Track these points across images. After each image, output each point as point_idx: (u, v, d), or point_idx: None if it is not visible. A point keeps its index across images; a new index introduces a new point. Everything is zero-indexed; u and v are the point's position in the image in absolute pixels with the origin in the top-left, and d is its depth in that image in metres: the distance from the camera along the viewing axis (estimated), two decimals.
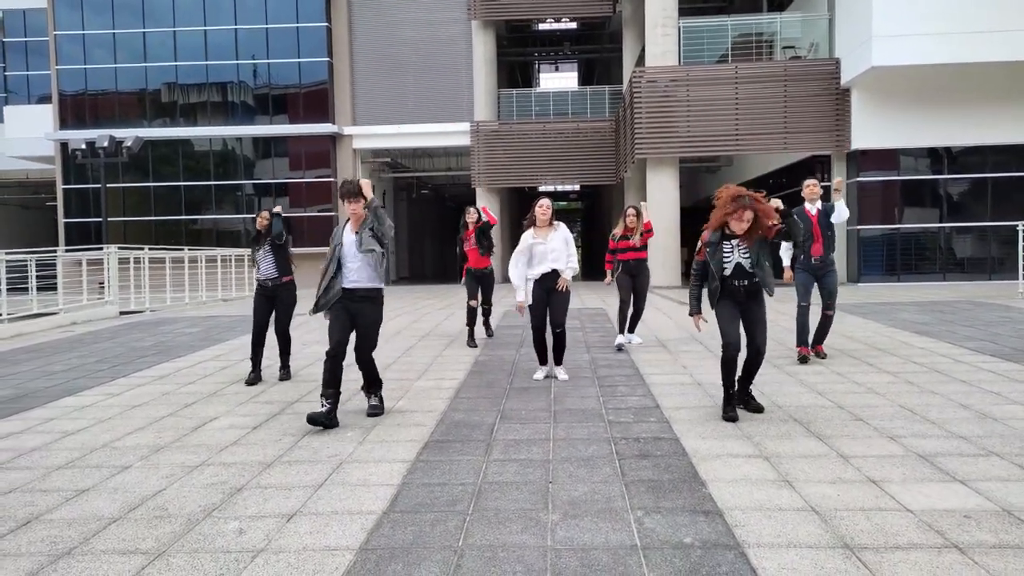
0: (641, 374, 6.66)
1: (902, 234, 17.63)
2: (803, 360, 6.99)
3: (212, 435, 4.96)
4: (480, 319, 9.13)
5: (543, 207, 6.37)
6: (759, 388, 5.90)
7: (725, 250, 5.01)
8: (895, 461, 4.02)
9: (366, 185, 5.24)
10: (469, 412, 5.43)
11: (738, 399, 5.18)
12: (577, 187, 34.96)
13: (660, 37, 18.16)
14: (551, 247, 6.32)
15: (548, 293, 6.38)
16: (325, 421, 4.98)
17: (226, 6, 24.46)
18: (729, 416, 4.97)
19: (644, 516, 3.34)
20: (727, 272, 5.01)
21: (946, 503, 3.40)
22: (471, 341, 8.66)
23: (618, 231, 8.35)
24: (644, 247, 8.27)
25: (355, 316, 5.22)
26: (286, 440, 4.78)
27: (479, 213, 8.98)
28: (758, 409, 5.16)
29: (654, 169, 18.61)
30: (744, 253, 4.98)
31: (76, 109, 25.64)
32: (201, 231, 25.52)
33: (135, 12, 24.96)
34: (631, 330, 8.49)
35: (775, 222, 4.92)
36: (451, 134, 24.64)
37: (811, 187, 7.21)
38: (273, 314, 6.99)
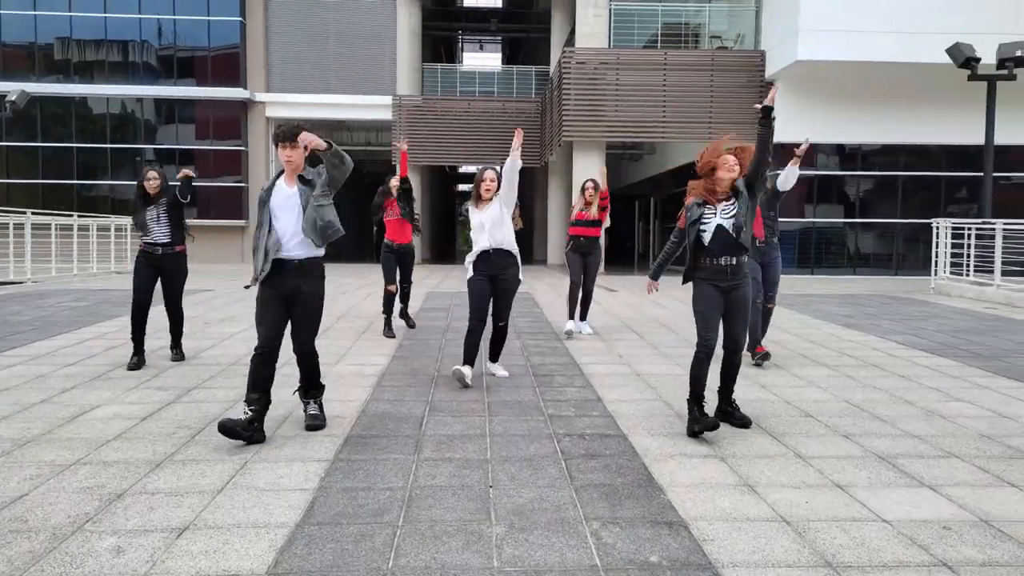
0: (577, 363, 6.29)
1: (816, 228, 18.02)
2: (764, 358, 6.17)
3: (92, 427, 4.26)
4: (398, 306, 7.98)
5: (488, 181, 5.51)
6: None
7: (706, 215, 4.24)
8: (856, 463, 3.77)
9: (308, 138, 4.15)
10: (394, 403, 4.91)
11: (718, 414, 4.44)
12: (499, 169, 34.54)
13: (592, 18, 17.84)
14: (488, 215, 5.45)
15: (492, 282, 5.48)
16: (244, 433, 3.90)
17: None
18: (694, 431, 4.15)
19: (601, 528, 2.93)
20: (706, 240, 4.21)
21: (921, 512, 3.14)
22: (388, 331, 7.66)
23: (577, 205, 7.89)
24: (598, 223, 7.78)
25: (291, 296, 4.13)
26: (181, 434, 4.14)
27: (399, 179, 7.72)
28: (744, 423, 4.37)
29: (581, 153, 18.33)
30: (727, 212, 4.19)
31: None
32: (96, 198, 23.65)
33: None
34: (583, 317, 8.02)
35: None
36: (371, 107, 23.66)
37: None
38: (160, 288, 6.19)
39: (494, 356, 5.84)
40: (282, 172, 4.25)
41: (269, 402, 4.14)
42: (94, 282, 13.81)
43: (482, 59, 39.92)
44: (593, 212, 7.69)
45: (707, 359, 4.28)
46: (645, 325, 8.67)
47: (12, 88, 18.34)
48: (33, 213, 13.31)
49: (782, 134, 17.47)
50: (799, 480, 3.50)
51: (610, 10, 18.16)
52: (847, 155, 17.93)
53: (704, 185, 4.31)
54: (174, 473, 3.51)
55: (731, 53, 18.18)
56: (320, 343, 6.63)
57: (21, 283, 12.82)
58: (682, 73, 17.75)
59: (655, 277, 4.75)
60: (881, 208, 18.01)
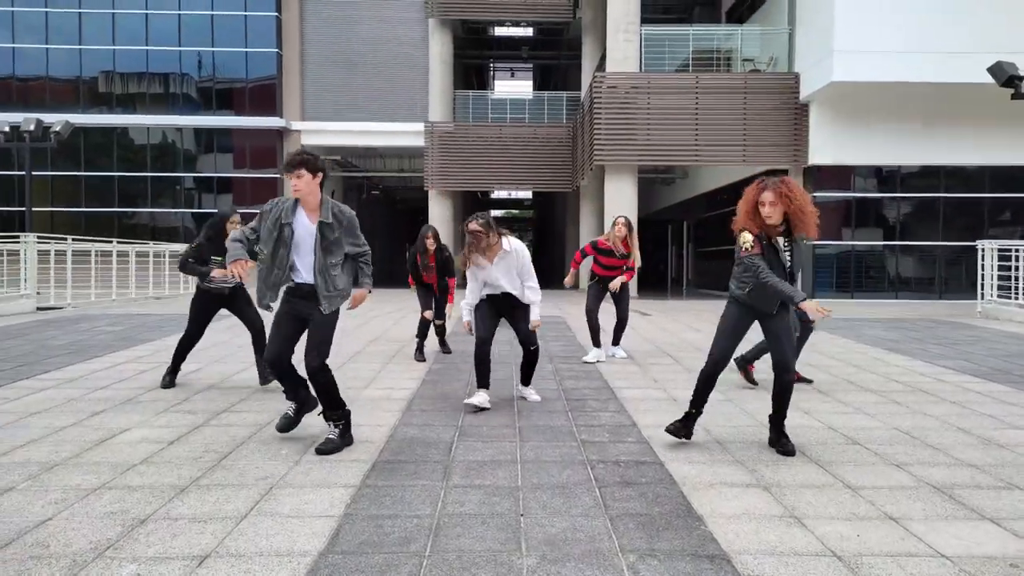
0: (611, 387, 6.13)
1: (856, 251, 17.64)
2: (750, 380, 6.21)
3: (119, 450, 4.21)
4: (434, 335, 8.09)
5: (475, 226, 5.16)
6: (727, 406, 5.43)
7: (782, 248, 4.18)
8: (909, 493, 3.55)
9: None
10: (423, 428, 4.80)
11: (772, 439, 4.35)
12: (529, 194, 34.56)
13: (622, 43, 17.84)
14: (497, 273, 5.23)
15: (508, 308, 5.40)
16: (295, 418, 4.45)
17: None
18: (671, 429, 4.34)
19: (638, 561, 2.77)
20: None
21: (984, 548, 2.92)
22: (419, 355, 7.60)
23: (604, 239, 7.60)
24: (629, 269, 7.60)
25: (306, 319, 4.20)
26: (207, 458, 4.08)
27: (438, 243, 7.58)
28: (789, 452, 4.21)
29: (612, 177, 18.25)
30: (786, 254, 4.19)
31: (3, 93, 24.05)
32: (136, 225, 24.20)
33: None
34: (615, 342, 7.83)
35: (812, 217, 4.14)
36: (404, 134, 23.93)
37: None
38: (232, 315, 6.25)
39: (526, 380, 5.69)
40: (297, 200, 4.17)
41: (311, 398, 4.43)
42: (132, 307, 14.00)
43: (513, 87, 40.26)
44: (620, 250, 7.48)
45: (713, 375, 4.38)
46: (680, 349, 8.47)
47: (57, 119, 18.89)
48: (73, 240, 13.55)
49: (819, 157, 17.24)
50: (849, 512, 3.30)
51: (640, 35, 18.15)
52: (885, 177, 17.58)
53: (756, 223, 4.17)
54: (199, 498, 3.43)
55: (764, 76, 18.02)
56: (350, 367, 6.57)
57: (61, 308, 13.04)
58: (714, 96, 17.63)
59: (803, 297, 4.20)
60: (922, 231, 17.58)
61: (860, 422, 5.00)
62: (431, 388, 6.12)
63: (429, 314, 7.72)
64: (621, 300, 7.72)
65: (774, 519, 3.21)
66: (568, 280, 7.77)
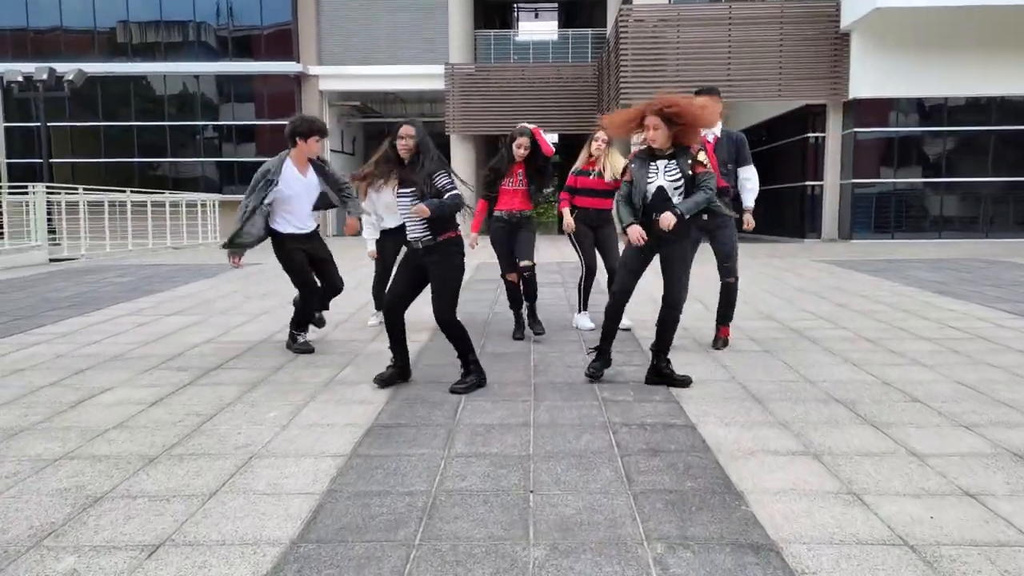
0: (636, 338, 5.63)
1: (897, 189, 16.72)
2: (724, 344, 5.25)
3: (93, 414, 3.83)
4: (524, 306, 5.84)
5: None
6: (764, 358, 4.91)
7: (651, 170, 4.17)
8: (986, 462, 3.03)
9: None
10: (429, 385, 4.36)
11: (654, 373, 4.33)
12: (556, 138, 33.64)
13: None
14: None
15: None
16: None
17: None
18: (589, 372, 4.36)
19: (667, 554, 2.31)
20: (648, 198, 4.14)
21: None
22: (518, 331, 5.74)
23: (580, 163, 5.85)
24: (612, 194, 5.59)
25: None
26: (188, 422, 3.68)
27: (532, 139, 5.49)
28: (684, 383, 4.23)
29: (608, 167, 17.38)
30: (671, 173, 4.11)
31: (17, 44, 23.61)
32: (157, 175, 23.89)
33: None
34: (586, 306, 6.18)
35: (698, 158, 4.10)
36: (424, 77, 23.08)
37: (703, 106, 4.37)
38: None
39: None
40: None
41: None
42: (149, 257, 13.74)
43: (537, 27, 38.83)
44: (608, 176, 5.70)
45: (616, 307, 4.31)
46: (708, 294, 7.89)
47: (71, 68, 18.43)
48: (85, 190, 13.24)
49: (861, 89, 16.20)
50: (917, 486, 2.80)
51: None
52: (931, 111, 16.51)
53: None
54: (167, 471, 3.03)
55: (802, 3, 16.88)
56: (358, 316, 6.12)
57: (74, 260, 12.81)
58: (748, 28, 16.59)
59: (631, 221, 4.21)
60: (968, 167, 16.57)
61: (918, 375, 4.46)
62: (441, 341, 5.62)
63: (514, 276, 5.66)
64: (608, 253, 5.88)
65: (828, 497, 2.72)
66: (567, 224, 5.83)
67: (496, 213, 5.68)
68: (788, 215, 18.59)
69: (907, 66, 15.86)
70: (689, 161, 4.11)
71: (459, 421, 3.66)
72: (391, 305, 4.26)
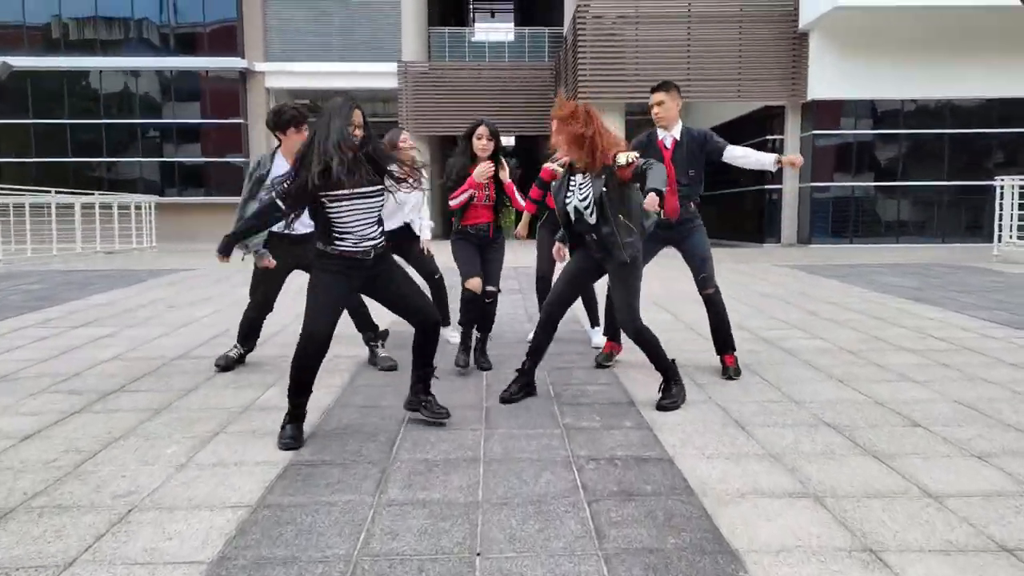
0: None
1: (856, 193, 16.63)
2: (605, 360, 4.65)
3: None
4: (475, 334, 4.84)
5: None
6: (746, 376, 4.44)
7: (569, 186, 3.77)
8: (1016, 506, 2.57)
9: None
10: (365, 410, 3.77)
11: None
12: (512, 140, 33.18)
13: None
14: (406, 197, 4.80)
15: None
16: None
17: None
18: (503, 397, 3.90)
19: None
20: (572, 217, 3.79)
21: None
22: (463, 357, 4.61)
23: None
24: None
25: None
26: (63, 462, 3.03)
27: (494, 132, 4.74)
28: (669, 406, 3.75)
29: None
30: (581, 193, 3.69)
31: None
32: (93, 176, 22.66)
33: None
34: (595, 323, 5.51)
35: (618, 161, 3.50)
36: (377, 75, 22.35)
37: (659, 103, 4.37)
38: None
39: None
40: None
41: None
42: (76, 263, 12.79)
43: (493, 27, 38.32)
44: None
45: (544, 324, 3.93)
46: (675, 302, 7.44)
47: None
48: (1, 191, 12.26)
49: (818, 91, 16.05)
50: (942, 538, 2.32)
51: None
52: (889, 113, 16.45)
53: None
54: (18, 531, 2.39)
55: (761, 2, 16.68)
56: (295, 327, 5.53)
57: None
58: (708, 26, 16.33)
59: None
60: (924, 171, 16.54)
61: (911, 392, 4.03)
62: (396, 337, 5.06)
63: (476, 283, 4.59)
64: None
65: (841, 556, 2.22)
66: (517, 231, 5.36)
67: (457, 226, 4.69)
68: (747, 219, 18.40)
69: (864, 68, 15.77)
70: (603, 177, 3.56)
71: (396, 457, 3.08)
72: (324, 339, 3.26)
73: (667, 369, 3.84)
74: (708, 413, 3.67)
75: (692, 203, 4.41)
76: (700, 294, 4.43)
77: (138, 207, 16.77)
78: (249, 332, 4.68)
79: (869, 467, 2.93)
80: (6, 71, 16.74)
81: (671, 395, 3.78)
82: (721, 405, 3.80)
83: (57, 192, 13.90)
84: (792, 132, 16.83)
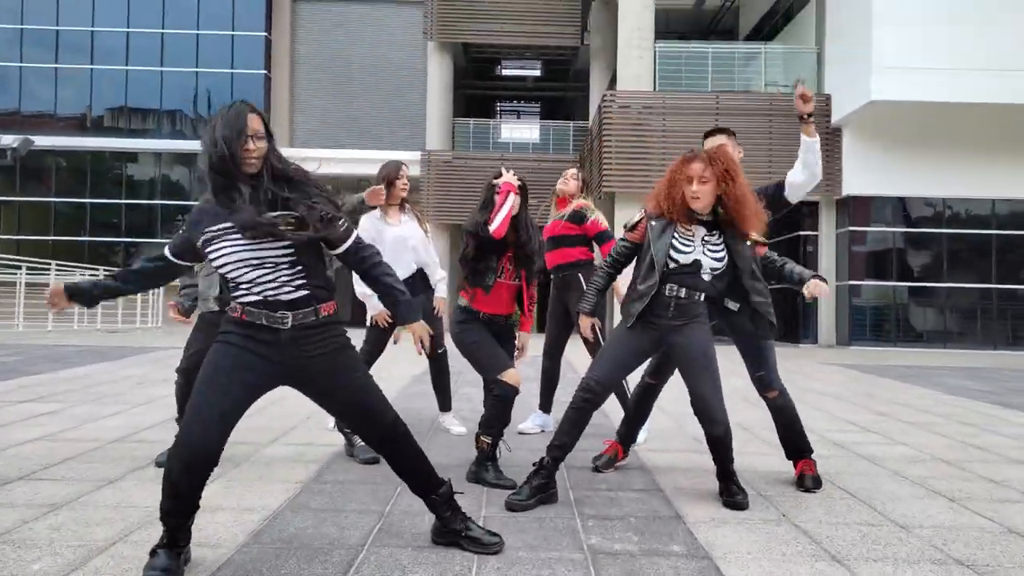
0: (634, 450, 4.15)
1: (896, 292, 15.69)
2: (605, 465, 3.63)
3: None
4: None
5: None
6: (833, 492, 3.46)
7: (676, 236, 3.05)
8: None
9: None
10: (322, 513, 2.83)
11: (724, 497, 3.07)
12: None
13: (634, 59, 16.25)
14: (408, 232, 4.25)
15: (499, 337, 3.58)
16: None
17: (153, 5, 21.95)
18: (509, 503, 2.95)
19: None
20: (666, 266, 3.03)
21: None
22: (484, 471, 3.39)
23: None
24: (584, 242, 4.55)
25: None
26: None
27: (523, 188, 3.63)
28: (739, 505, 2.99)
29: (622, 207, 16.44)
30: (714, 248, 3.06)
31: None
32: (111, 255, 22.43)
33: (49, 7, 22.26)
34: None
35: (754, 234, 3.11)
36: None
37: (728, 143, 3.68)
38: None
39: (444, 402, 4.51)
40: None
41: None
42: (68, 339, 12.08)
43: (521, 127, 38.75)
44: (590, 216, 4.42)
45: (584, 405, 3.07)
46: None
47: (15, 138, 17.28)
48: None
49: (854, 187, 15.44)
50: None
51: (655, 51, 16.57)
52: (932, 209, 15.71)
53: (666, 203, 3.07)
54: None
55: (792, 96, 16.28)
56: (259, 420, 4.46)
57: None
58: (736, 118, 15.87)
59: (590, 311, 3.39)
60: (974, 272, 15.61)
61: None
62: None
63: (516, 376, 3.42)
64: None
65: None
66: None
67: (465, 305, 3.55)
68: (781, 318, 17.43)
69: (902, 164, 15.16)
70: (748, 243, 3.09)
71: None
72: (200, 451, 2.16)
73: (732, 474, 2.98)
74: (787, 539, 2.68)
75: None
76: (765, 396, 3.45)
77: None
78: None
79: None
80: (27, 146, 16.72)
81: (740, 490, 3.03)
82: (802, 528, 2.81)
83: (59, 266, 13.39)
84: (827, 229, 16.12)
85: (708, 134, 3.80)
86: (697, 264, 3.02)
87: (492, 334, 3.55)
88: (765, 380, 3.39)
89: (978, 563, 2.47)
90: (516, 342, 3.67)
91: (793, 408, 3.44)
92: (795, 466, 3.44)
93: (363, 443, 3.75)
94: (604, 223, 4.50)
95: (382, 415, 2.40)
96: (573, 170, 4.71)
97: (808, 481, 3.33)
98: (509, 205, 3.40)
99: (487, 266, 3.45)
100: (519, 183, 3.52)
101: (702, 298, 3.07)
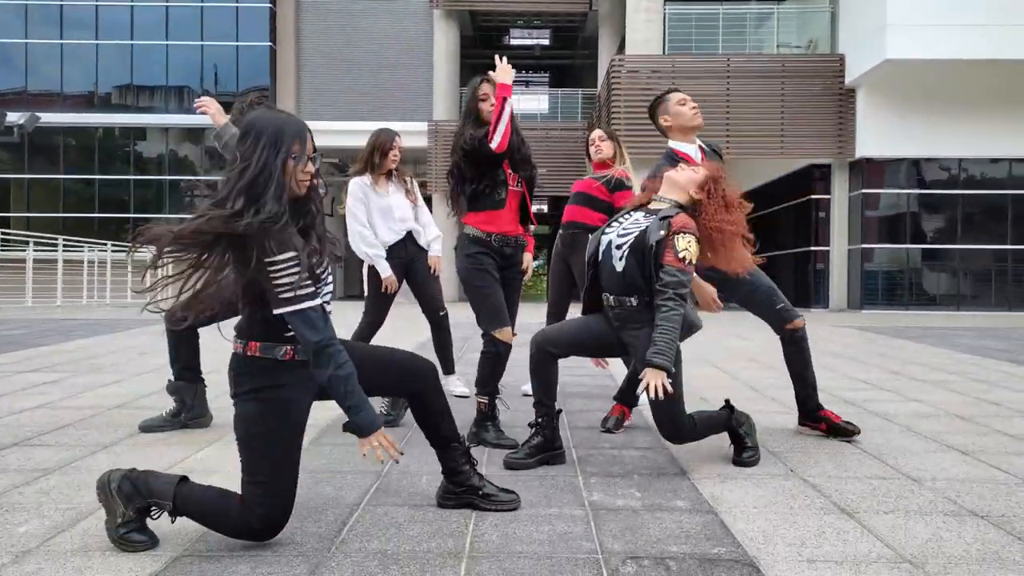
0: (644, 415, 4.08)
1: (910, 255, 15.47)
2: (615, 425, 3.54)
3: None
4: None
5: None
6: (844, 447, 3.38)
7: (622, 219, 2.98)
8: None
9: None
10: (318, 477, 2.78)
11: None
12: (544, 208, 32.65)
13: (643, 22, 15.96)
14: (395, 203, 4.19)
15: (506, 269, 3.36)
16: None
17: None
18: (508, 461, 2.88)
19: None
20: (599, 256, 2.95)
21: None
22: (485, 430, 3.29)
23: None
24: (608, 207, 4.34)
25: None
26: None
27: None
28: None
29: (632, 174, 16.25)
30: (628, 227, 2.88)
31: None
32: (120, 231, 22.49)
33: None
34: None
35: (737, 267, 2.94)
36: (407, 134, 21.91)
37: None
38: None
39: (446, 365, 4.46)
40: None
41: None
42: (75, 313, 12.12)
43: (528, 98, 38.37)
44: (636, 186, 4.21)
45: (537, 361, 2.93)
46: (730, 359, 6.38)
47: (21, 114, 17.21)
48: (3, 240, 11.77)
49: (868, 148, 15.15)
50: None
51: (664, 14, 16.25)
52: (948, 170, 15.43)
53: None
54: None
55: (805, 57, 16.01)
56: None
57: None
58: (748, 81, 15.65)
59: (670, 364, 2.74)
60: (986, 234, 15.37)
61: None
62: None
63: (509, 334, 3.27)
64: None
65: None
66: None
67: (474, 233, 3.27)
68: (790, 283, 17.27)
69: (917, 124, 14.86)
70: (662, 232, 2.71)
71: (340, 547, 2.08)
72: (287, 517, 2.11)
73: (732, 431, 2.89)
74: (794, 493, 2.60)
75: None
76: (783, 330, 3.43)
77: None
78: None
79: None
80: (33, 122, 16.67)
81: (749, 448, 2.93)
82: (811, 482, 2.73)
83: (65, 245, 13.41)
84: (840, 192, 15.87)
85: (671, 90, 3.64)
86: (607, 254, 2.85)
87: (501, 264, 3.32)
88: (787, 310, 3.37)
89: (992, 513, 2.38)
90: (523, 265, 3.47)
91: (798, 343, 3.43)
92: (817, 417, 3.41)
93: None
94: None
95: (415, 368, 2.33)
96: (599, 131, 4.56)
97: (839, 428, 3.35)
98: (508, 114, 3.10)
99: (495, 179, 3.24)
100: (512, 80, 3.16)
101: (634, 303, 2.80)
